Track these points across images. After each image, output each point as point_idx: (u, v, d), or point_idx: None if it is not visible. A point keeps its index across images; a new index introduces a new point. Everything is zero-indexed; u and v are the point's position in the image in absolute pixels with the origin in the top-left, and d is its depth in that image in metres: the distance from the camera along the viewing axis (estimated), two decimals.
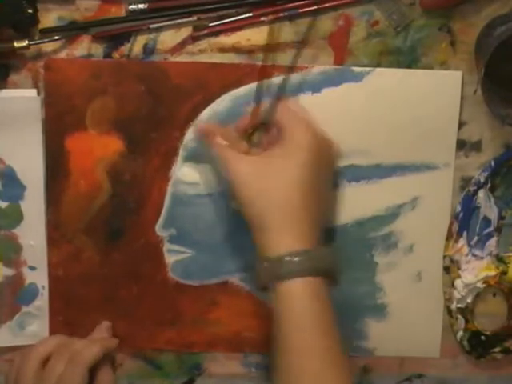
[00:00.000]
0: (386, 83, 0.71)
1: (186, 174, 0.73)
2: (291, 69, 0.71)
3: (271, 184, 0.65)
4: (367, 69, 0.71)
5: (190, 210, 0.73)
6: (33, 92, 0.72)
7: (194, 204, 0.73)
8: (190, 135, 0.72)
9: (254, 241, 0.66)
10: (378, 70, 0.71)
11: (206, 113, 0.72)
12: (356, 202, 0.73)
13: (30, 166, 0.73)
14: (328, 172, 0.70)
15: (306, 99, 0.72)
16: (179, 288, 0.75)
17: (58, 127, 0.72)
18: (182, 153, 0.72)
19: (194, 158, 0.72)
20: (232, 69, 0.71)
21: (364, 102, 0.72)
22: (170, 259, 0.74)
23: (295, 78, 0.71)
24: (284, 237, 0.64)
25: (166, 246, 0.74)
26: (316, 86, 0.72)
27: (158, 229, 0.74)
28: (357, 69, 0.71)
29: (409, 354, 0.75)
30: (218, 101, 0.72)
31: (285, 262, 0.63)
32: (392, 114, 0.72)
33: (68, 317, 0.75)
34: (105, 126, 0.72)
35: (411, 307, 0.75)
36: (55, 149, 0.72)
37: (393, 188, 0.73)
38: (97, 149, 0.72)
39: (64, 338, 0.72)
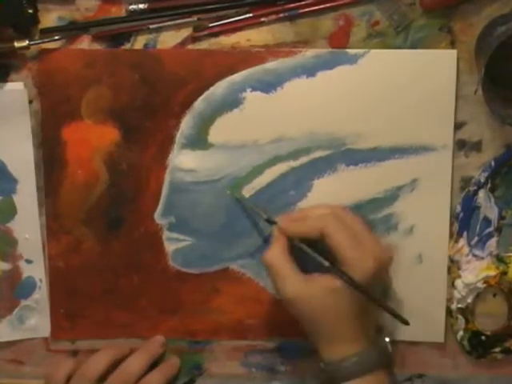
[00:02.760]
0: (381, 65, 0.71)
1: (182, 162, 0.73)
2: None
3: (325, 302, 0.67)
4: (361, 51, 0.71)
5: (188, 197, 0.73)
6: (20, 85, 0.72)
7: (192, 191, 0.73)
8: (185, 123, 0.72)
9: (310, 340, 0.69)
10: (373, 51, 0.71)
11: (201, 100, 0.72)
12: (355, 186, 0.73)
13: (21, 159, 0.73)
14: (380, 283, 0.71)
15: (301, 83, 0.72)
16: (180, 276, 0.75)
17: (53, 118, 0.72)
18: (178, 140, 0.73)
19: (190, 145, 0.73)
20: (226, 55, 0.72)
21: (359, 84, 0.72)
22: (169, 247, 0.74)
23: (289, 61, 0.71)
24: (336, 344, 0.67)
25: (166, 234, 0.74)
26: (311, 70, 0.72)
27: (157, 217, 0.74)
28: (351, 51, 0.71)
29: (414, 338, 0.75)
30: (212, 88, 0.72)
31: (340, 367, 0.67)
32: (388, 95, 0.72)
33: (69, 309, 0.76)
34: (100, 115, 0.72)
35: (413, 289, 0.74)
36: (51, 139, 0.73)
37: (391, 170, 0.72)
38: (93, 139, 0.73)
39: (114, 355, 0.74)
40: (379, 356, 0.68)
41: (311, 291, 0.67)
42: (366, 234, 0.68)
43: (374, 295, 0.67)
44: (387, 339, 0.70)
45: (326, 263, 0.67)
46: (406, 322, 0.69)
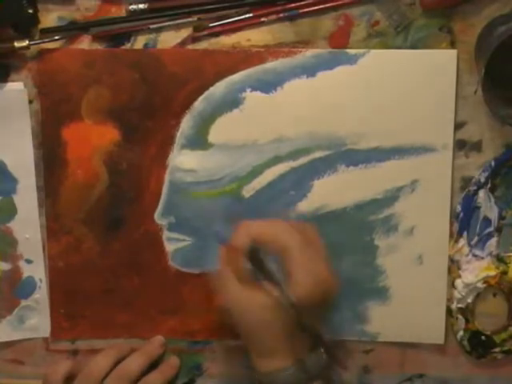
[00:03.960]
0: (381, 65, 0.71)
1: (182, 162, 0.73)
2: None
3: (260, 314, 0.66)
4: (361, 51, 0.71)
5: (188, 197, 0.73)
6: (20, 85, 0.72)
7: (192, 191, 0.73)
8: (185, 122, 0.72)
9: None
10: (373, 51, 0.71)
11: (201, 100, 0.72)
12: (355, 186, 0.73)
13: (21, 159, 0.73)
14: (319, 308, 0.69)
15: (301, 83, 0.72)
16: (180, 276, 0.75)
17: (53, 118, 0.73)
18: (178, 140, 0.73)
19: (190, 145, 0.73)
20: (226, 55, 0.72)
21: (359, 84, 0.72)
22: (169, 247, 0.75)
23: (289, 61, 0.71)
24: (269, 358, 0.66)
25: (166, 234, 0.74)
26: (310, 70, 0.72)
27: (157, 217, 0.74)
28: (351, 51, 0.71)
29: (413, 339, 0.75)
30: (212, 88, 0.72)
31: (275, 379, 0.66)
32: (388, 95, 0.72)
33: (69, 309, 0.76)
34: (100, 115, 0.72)
35: (413, 290, 0.74)
36: (51, 139, 0.73)
37: (392, 171, 0.72)
38: (93, 138, 0.73)
39: (116, 355, 0.74)
40: (313, 369, 0.67)
41: (247, 303, 0.66)
42: (320, 258, 0.67)
43: (307, 318, 0.66)
44: (322, 350, 0.69)
45: (265, 276, 0.66)
46: (332, 355, 0.68)
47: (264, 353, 0.67)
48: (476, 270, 0.74)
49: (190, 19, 0.71)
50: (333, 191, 0.73)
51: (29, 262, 0.75)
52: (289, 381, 0.66)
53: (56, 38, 0.71)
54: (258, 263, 0.67)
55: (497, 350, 0.75)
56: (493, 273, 0.74)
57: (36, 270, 0.75)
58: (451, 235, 0.74)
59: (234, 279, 0.67)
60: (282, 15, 0.71)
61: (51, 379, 0.73)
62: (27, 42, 0.70)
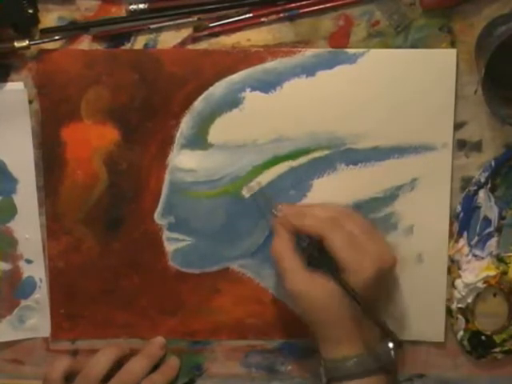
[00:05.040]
0: (381, 64, 0.71)
1: (182, 162, 0.73)
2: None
3: (327, 302, 0.67)
4: (361, 50, 0.71)
5: (188, 197, 0.73)
6: (20, 85, 0.72)
7: (191, 191, 0.73)
8: (185, 122, 0.72)
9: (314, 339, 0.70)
10: (372, 51, 0.71)
11: (200, 100, 0.72)
12: (354, 185, 0.73)
13: (21, 159, 0.73)
14: (383, 286, 0.71)
15: (301, 83, 0.72)
16: (180, 276, 0.75)
17: (53, 118, 0.73)
18: (178, 140, 0.73)
19: (189, 145, 0.73)
20: (226, 55, 0.72)
21: (359, 83, 0.72)
22: (169, 247, 0.75)
23: (289, 61, 0.71)
24: (335, 345, 0.68)
25: (166, 234, 0.74)
26: (310, 69, 0.72)
27: (157, 217, 0.74)
28: (350, 51, 0.71)
29: (414, 337, 0.75)
30: (212, 88, 0.72)
31: (338, 366, 0.67)
32: (387, 94, 0.72)
33: (69, 309, 0.76)
34: (100, 115, 0.72)
35: (413, 290, 0.74)
36: (51, 139, 0.73)
37: (391, 170, 0.72)
38: (93, 139, 0.73)
39: (116, 354, 0.74)
40: (379, 361, 0.68)
41: (313, 289, 0.67)
42: (367, 238, 0.68)
43: (368, 305, 0.66)
44: (391, 345, 0.69)
45: (325, 268, 0.67)
46: (396, 341, 0.68)
47: (330, 339, 0.68)
48: (476, 270, 0.74)
49: (190, 19, 0.71)
50: (332, 190, 0.73)
51: (29, 262, 0.75)
52: (353, 369, 0.67)
53: (56, 38, 0.71)
54: (312, 251, 0.68)
55: (497, 350, 0.75)
56: (493, 273, 0.74)
57: (36, 270, 0.75)
58: (451, 235, 0.74)
59: (299, 264, 0.68)
60: (282, 15, 0.71)
61: (50, 378, 0.73)
62: (27, 41, 0.70)
